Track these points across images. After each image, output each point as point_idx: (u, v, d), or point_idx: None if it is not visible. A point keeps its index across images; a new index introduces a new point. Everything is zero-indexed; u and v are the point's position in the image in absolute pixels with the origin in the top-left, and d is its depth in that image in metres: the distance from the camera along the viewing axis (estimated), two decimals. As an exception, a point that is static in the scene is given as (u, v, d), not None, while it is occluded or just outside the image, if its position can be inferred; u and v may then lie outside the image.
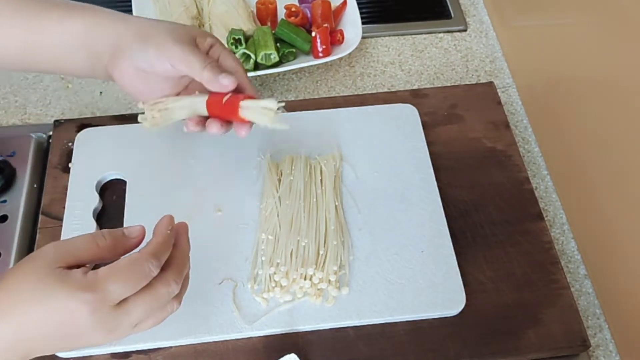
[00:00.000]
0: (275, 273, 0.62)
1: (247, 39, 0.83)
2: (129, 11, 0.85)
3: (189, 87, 0.61)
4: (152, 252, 0.46)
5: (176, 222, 0.50)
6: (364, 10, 0.90)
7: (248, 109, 0.56)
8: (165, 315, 0.49)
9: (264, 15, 0.86)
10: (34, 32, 0.58)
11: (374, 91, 0.84)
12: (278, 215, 0.65)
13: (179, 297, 0.50)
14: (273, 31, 0.82)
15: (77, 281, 0.44)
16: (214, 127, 0.58)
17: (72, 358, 0.59)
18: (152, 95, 0.59)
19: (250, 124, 0.58)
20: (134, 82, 0.58)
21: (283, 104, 0.56)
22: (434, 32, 0.92)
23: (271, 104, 0.55)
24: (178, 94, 0.60)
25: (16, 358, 0.45)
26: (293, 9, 0.85)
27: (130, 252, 0.47)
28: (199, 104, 0.58)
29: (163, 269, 0.47)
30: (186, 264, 0.50)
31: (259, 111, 0.55)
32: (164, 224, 0.49)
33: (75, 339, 0.45)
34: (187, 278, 0.51)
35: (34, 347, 0.45)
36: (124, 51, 0.57)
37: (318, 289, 0.62)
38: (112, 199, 0.69)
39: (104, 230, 0.48)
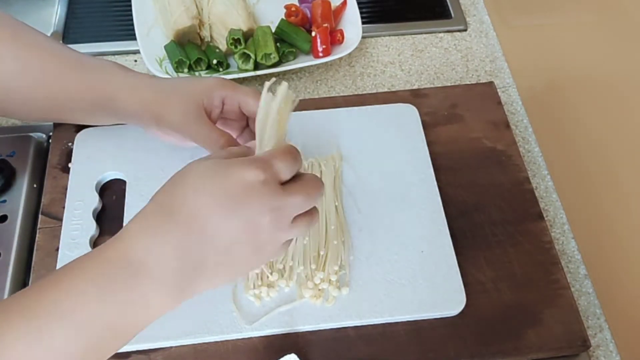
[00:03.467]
0: (271, 272, 0.62)
1: (247, 39, 0.83)
2: (129, 11, 0.85)
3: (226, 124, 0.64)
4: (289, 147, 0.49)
5: None
6: (364, 10, 0.90)
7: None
8: (313, 223, 0.50)
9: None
10: (54, 97, 0.63)
11: (374, 91, 0.84)
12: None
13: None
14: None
15: (245, 159, 0.46)
16: None
17: (72, 358, 0.59)
18: (182, 142, 0.64)
19: None
20: (167, 138, 0.63)
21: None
22: (434, 32, 0.92)
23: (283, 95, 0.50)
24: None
25: (184, 269, 0.43)
26: (293, 9, 0.85)
27: None
28: None
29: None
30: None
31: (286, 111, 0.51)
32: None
33: (246, 228, 0.44)
34: None
35: (203, 264, 0.43)
36: (146, 125, 0.62)
37: (319, 289, 0.62)
38: (112, 199, 0.69)
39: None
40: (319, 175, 0.69)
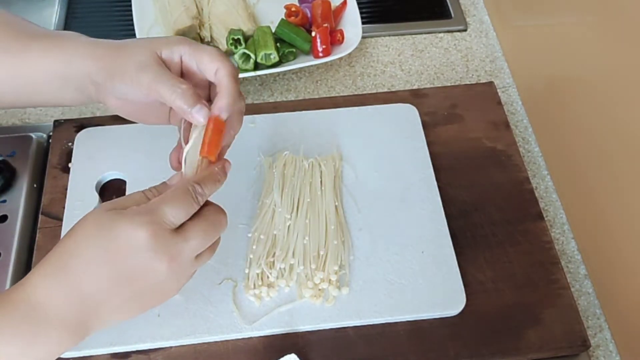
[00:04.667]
0: (271, 272, 0.62)
1: (247, 39, 0.83)
2: (129, 11, 0.85)
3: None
4: (195, 179, 0.49)
5: None
6: (364, 10, 0.90)
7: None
8: (216, 247, 0.51)
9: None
10: (17, 71, 0.57)
11: (374, 91, 0.84)
12: (277, 215, 0.65)
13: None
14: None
15: (132, 211, 0.46)
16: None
17: (72, 358, 0.59)
18: (147, 119, 0.58)
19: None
20: (127, 110, 0.57)
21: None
22: (434, 32, 0.92)
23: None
24: (171, 109, 0.57)
25: (81, 314, 0.45)
26: (293, 9, 0.85)
27: None
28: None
29: (210, 203, 0.50)
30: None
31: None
32: (214, 164, 0.51)
33: (139, 281, 0.46)
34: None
35: (99, 301, 0.45)
36: (103, 87, 0.55)
37: (319, 289, 0.62)
38: (112, 199, 0.69)
39: (150, 187, 0.50)
40: (319, 176, 0.69)
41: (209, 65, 0.53)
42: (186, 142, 0.52)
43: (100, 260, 0.45)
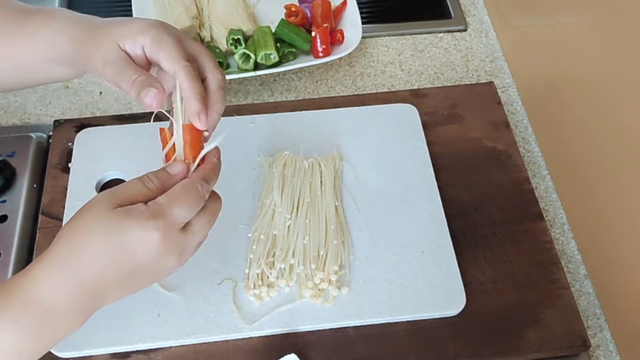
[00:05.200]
0: (271, 272, 0.62)
1: (247, 39, 0.83)
2: (129, 11, 0.85)
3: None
4: (202, 176, 0.49)
5: None
6: (364, 10, 0.90)
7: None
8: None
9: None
10: (12, 52, 0.57)
11: (374, 91, 0.84)
12: (277, 215, 0.65)
13: None
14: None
15: (143, 212, 0.46)
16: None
17: (72, 358, 0.59)
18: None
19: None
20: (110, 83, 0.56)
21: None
22: (434, 32, 0.92)
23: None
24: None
25: (85, 306, 0.47)
26: (293, 9, 0.85)
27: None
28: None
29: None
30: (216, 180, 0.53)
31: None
32: (212, 153, 0.51)
33: (148, 272, 0.47)
34: None
35: (103, 293, 0.47)
36: (82, 65, 0.55)
37: (319, 289, 0.62)
38: (112, 199, 0.69)
39: (148, 173, 0.50)
40: (319, 176, 0.69)
41: (167, 68, 0.52)
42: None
43: (111, 262, 0.46)
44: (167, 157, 0.52)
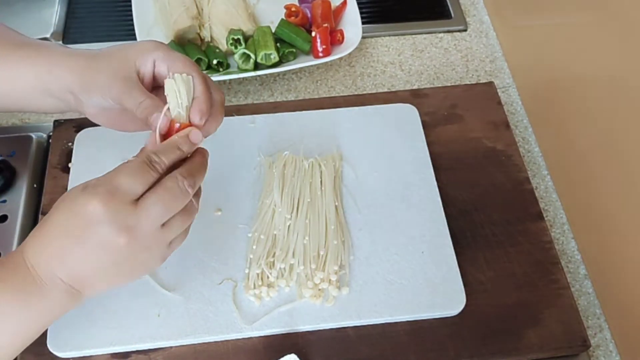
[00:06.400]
0: (271, 272, 0.62)
1: (247, 39, 0.83)
2: (129, 11, 0.85)
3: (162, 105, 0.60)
4: (153, 150, 0.50)
5: None
6: (364, 10, 0.90)
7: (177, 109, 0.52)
8: (190, 219, 0.52)
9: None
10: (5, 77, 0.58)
11: (374, 91, 0.84)
12: (277, 215, 0.65)
13: (196, 198, 0.52)
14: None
15: (89, 183, 0.48)
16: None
17: (72, 358, 0.59)
18: (128, 126, 0.59)
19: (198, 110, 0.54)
20: (104, 118, 0.59)
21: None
22: (434, 32, 0.92)
23: (180, 82, 0.52)
24: None
25: (70, 287, 0.49)
26: (293, 9, 0.85)
27: None
28: None
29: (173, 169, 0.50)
30: (201, 171, 0.52)
31: (183, 98, 0.52)
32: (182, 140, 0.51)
33: (107, 250, 0.47)
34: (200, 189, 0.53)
35: (84, 280, 0.49)
36: (80, 97, 0.56)
37: (319, 289, 0.62)
38: (112, 199, 0.69)
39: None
40: (319, 176, 0.69)
41: (182, 72, 0.54)
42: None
43: (70, 236, 0.47)
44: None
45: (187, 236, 0.53)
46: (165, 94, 0.52)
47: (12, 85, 0.58)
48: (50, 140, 0.75)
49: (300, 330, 0.61)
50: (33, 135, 0.75)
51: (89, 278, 0.49)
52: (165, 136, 0.52)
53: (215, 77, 0.80)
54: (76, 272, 0.48)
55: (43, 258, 0.48)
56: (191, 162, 0.52)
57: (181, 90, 0.52)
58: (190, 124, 0.52)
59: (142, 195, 0.48)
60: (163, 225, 0.49)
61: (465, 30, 0.92)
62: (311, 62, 0.82)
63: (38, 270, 0.48)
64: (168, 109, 0.52)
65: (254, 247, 0.64)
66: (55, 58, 0.57)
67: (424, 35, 0.91)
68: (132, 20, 0.84)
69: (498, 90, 0.80)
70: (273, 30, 0.83)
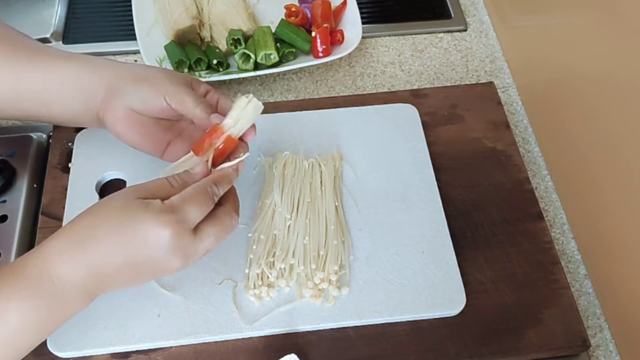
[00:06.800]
0: (271, 272, 0.62)
1: (246, 39, 0.83)
2: (129, 11, 0.86)
3: (183, 135, 0.63)
4: (212, 179, 0.53)
5: None
6: (364, 10, 0.90)
7: (235, 122, 0.56)
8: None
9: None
10: (23, 78, 0.59)
11: (374, 91, 0.84)
12: (277, 215, 0.65)
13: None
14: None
15: (158, 206, 0.49)
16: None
17: (72, 358, 0.59)
18: (145, 143, 0.61)
19: (253, 130, 0.58)
20: (126, 125, 0.60)
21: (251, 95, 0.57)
22: (434, 32, 0.92)
23: (251, 104, 0.56)
24: (169, 143, 0.62)
25: (90, 286, 0.49)
26: (293, 9, 0.85)
27: None
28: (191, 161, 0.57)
29: (223, 203, 0.54)
30: (237, 200, 0.57)
31: (246, 118, 0.56)
32: (228, 164, 0.56)
33: (151, 267, 0.49)
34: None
35: (105, 278, 0.49)
36: (119, 91, 0.58)
37: (319, 289, 0.62)
38: (112, 199, 0.69)
39: (175, 174, 0.54)
40: (319, 176, 0.69)
41: (229, 105, 0.58)
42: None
43: (119, 248, 0.48)
44: (195, 151, 0.56)
45: None
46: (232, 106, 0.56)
47: (41, 88, 0.59)
48: (50, 140, 0.75)
49: (300, 330, 0.61)
50: (33, 135, 0.75)
51: (113, 285, 0.50)
52: (203, 141, 0.56)
53: (215, 77, 0.80)
54: (108, 286, 0.50)
55: (78, 269, 0.48)
56: (234, 198, 0.56)
57: (249, 109, 0.56)
58: (233, 140, 0.56)
59: (198, 225, 0.50)
60: None
61: (465, 30, 0.92)
62: (311, 62, 0.82)
63: (65, 280, 0.48)
64: (230, 116, 0.56)
65: (254, 247, 0.64)
66: (100, 61, 0.61)
67: (424, 35, 0.91)
68: (132, 20, 0.84)
69: (498, 90, 0.80)
70: (273, 30, 0.83)
